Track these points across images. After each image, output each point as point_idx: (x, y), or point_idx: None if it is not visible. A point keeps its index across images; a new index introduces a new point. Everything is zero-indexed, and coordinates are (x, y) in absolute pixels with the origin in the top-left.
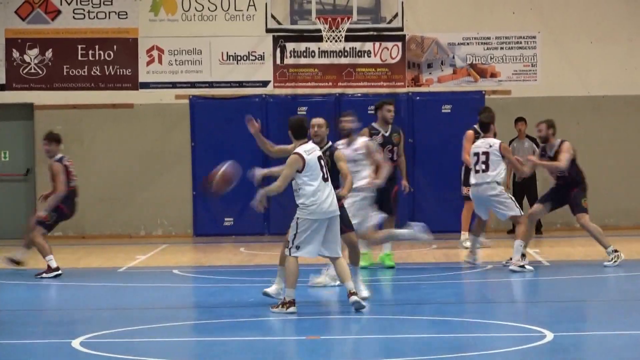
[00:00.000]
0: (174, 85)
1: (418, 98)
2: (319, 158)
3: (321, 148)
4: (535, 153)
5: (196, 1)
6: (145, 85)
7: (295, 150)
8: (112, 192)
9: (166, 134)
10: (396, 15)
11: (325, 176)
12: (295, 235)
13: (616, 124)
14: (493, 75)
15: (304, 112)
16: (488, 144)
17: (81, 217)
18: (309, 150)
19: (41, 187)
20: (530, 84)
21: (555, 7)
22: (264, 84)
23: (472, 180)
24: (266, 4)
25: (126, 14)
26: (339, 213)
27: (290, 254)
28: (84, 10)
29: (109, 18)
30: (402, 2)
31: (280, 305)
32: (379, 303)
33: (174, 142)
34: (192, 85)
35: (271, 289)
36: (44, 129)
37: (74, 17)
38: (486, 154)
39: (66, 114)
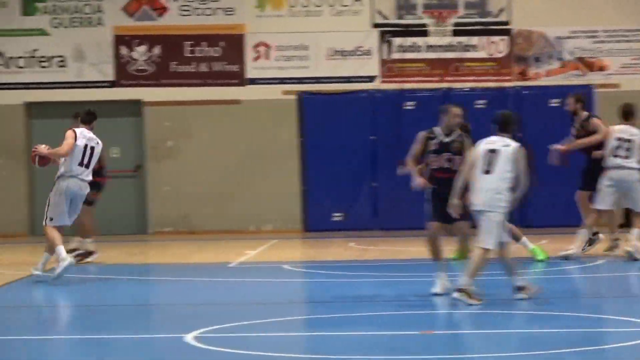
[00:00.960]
0: (281, 81)
1: (525, 92)
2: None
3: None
4: None
5: None
6: (252, 81)
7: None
8: (220, 188)
9: (273, 129)
10: (503, 9)
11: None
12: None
13: None
14: (601, 68)
15: (412, 107)
16: (630, 132)
17: (191, 213)
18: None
19: (152, 184)
20: (638, 78)
21: None
22: (371, 79)
23: (613, 163)
24: None
25: (233, 10)
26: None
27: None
28: (190, 6)
29: (216, 14)
30: None
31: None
32: (493, 298)
33: (281, 138)
34: (299, 80)
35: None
36: (153, 126)
37: (181, 13)
38: (629, 141)
39: (174, 111)
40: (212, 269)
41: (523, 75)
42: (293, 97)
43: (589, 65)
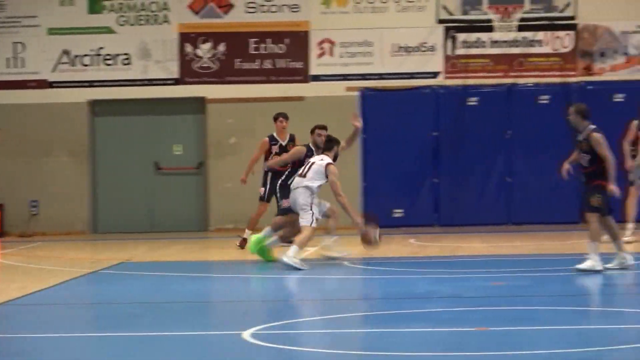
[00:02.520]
0: (344, 77)
1: (590, 87)
2: None
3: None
4: None
5: None
6: (316, 78)
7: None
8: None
9: (337, 126)
10: (569, 3)
11: None
12: None
13: None
14: None
15: (475, 103)
16: None
17: (252, 210)
18: None
19: (213, 181)
20: None
21: None
22: (434, 75)
23: None
24: None
25: (298, 7)
26: None
27: None
28: (256, 3)
29: (281, 11)
30: None
31: None
32: (548, 295)
33: (345, 134)
34: (363, 77)
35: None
36: (216, 123)
37: (246, 10)
38: None
39: (237, 108)
40: (271, 265)
41: (588, 70)
42: (356, 93)
43: None
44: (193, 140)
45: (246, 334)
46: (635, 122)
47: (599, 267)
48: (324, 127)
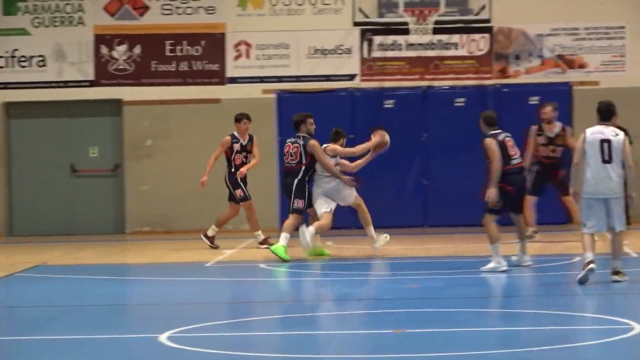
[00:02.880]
0: (261, 79)
1: (505, 90)
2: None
3: None
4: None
5: None
6: (233, 80)
7: None
8: (199, 187)
9: (253, 128)
10: (484, 6)
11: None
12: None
13: None
14: (581, 66)
15: (391, 106)
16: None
17: (169, 212)
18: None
19: (130, 183)
20: (618, 75)
21: None
22: (351, 77)
23: None
24: None
25: (214, 9)
26: None
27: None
28: (172, 5)
29: (197, 13)
30: None
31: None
32: (463, 297)
33: (260, 137)
34: (279, 79)
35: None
36: (132, 125)
37: (162, 12)
38: None
39: (154, 110)
40: (189, 268)
41: (503, 73)
42: (273, 95)
43: (568, 62)
44: (109, 142)
45: (163, 337)
46: (534, 127)
47: (503, 267)
48: (311, 116)
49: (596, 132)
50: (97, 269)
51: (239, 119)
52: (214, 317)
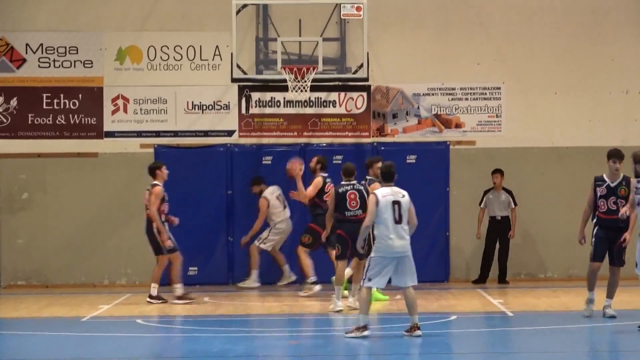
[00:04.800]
0: (139, 134)
1: (383, 148)
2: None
3: None
4: (511, 205)
5: (162, 50)
6: (110, 134)
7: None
8: (76, 241)
9: (131, 183)
10: (361, 65)
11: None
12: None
13: (580, 175)
14: (458, 125)
15: (269, 162)
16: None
17: (45, 266)
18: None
19: (5, 236)
20: (494, 135)
21: (519, 58)
22: (229, 133)
23: None
24: (232, 53)
25: (91, 63)
26: None
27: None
28: (49, 59)
29: (75, 67)
30: (368, 53)
31: (355, 330)
32: (343, 354)
33: (138, 191)
34: (157, 134)
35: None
36: (8, 178)
37: (39, 65)
38: None
39: (30, 163)
40: (65, 323)
41: (380, 132)
42: (151, 150)
43: (445, 122)
44: None
45: None
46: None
47: (338, 307)
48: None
49: (387, 194)
50: None
51: (157, 167)
52: None
